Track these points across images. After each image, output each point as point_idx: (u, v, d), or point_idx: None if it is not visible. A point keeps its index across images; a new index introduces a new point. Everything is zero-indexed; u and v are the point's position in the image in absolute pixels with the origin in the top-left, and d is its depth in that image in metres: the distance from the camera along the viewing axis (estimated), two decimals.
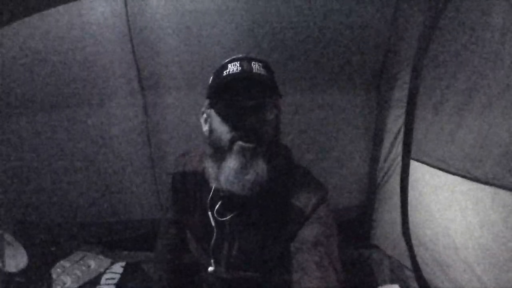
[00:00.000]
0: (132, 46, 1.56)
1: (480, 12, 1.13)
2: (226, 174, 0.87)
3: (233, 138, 0.85)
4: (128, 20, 1.51)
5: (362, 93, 1.74)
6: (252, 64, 0.86)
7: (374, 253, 1.83)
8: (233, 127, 0.86)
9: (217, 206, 0.98)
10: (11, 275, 1.46)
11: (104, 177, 1.79)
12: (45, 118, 1.63)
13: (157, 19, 1.51)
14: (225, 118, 0.87)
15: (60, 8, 1.41)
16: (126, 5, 1.48)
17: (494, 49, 1.08)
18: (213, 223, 0.98)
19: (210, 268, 1.01)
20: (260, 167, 0.86)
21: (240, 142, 0.85)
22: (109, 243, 1.86)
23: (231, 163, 0.86)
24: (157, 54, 1.58)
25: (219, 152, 0.89)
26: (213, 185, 0.95)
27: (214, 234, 0.99)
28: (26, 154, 1.68)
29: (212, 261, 1.01)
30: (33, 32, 1.44)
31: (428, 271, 1.50)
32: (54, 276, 1.50)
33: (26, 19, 1.37)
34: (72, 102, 1.62)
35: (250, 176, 0.86)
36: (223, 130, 0.87)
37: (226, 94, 0.86)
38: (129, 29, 1.53)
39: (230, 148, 0.86)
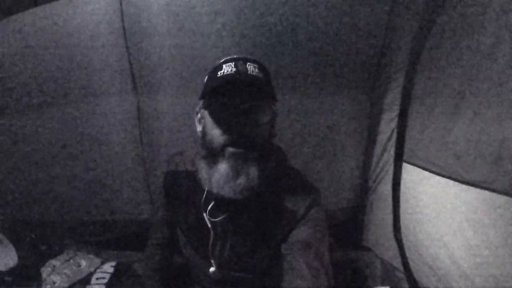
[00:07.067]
0: (126, 45, 1.56)
1: (474, 17, 1.14)
2: (217, 178, 0.87)
3: (225, 143, 0.85)
4: (122, 19, 1.51)
5: (355, 96, 1.74)
6: (247, 65, 0.86)
7: (365, 255, 1.83)
8: (226, 131, 0.85)
9: (210, 207, 0.98)
10: (0, 273, 1.45)
11: (96, 176, 1.77)
12: (35, 115, 1.61)
13: (152, 18, 1.50)
14: (217, 121, 0.87)
15: (54, 5, 1.40)
16: (121, 4, 1.48)
17: (488, 54, 1.09)
18: (209, 224, 0.98)
19: (212, 269, 1.01)
20: (252, 172, 0.86)
21: (231, 149, 0.85)
22: (99, 242, 1.85)
23: (222, 168, 0.86)
24: (151, 53, 1.57)
25: (211, 155, 0.89)
26: (205, 187, 0.95)
27: (212, 235, 0.99)
28: (15, 152, 1.66)
29: (212, 261, 1.00)
30: (25, 28, 1.43)
31: (419, 273, 1.50)
32: (44, 275, 1.48)
33: (18, 14, 1.36)
34: (63, 100, 1.61)
35: (240, 181, 0.86)
36: (215, 133, 0.87)
37: (220, 96, 0.85)
38: (124, 28, 1.52)
39: (222, 152, 0.86)
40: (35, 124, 1.63)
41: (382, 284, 1.65)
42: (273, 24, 1.52)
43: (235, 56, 0.90)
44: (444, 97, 1.30)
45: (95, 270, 1.57)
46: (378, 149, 1.77)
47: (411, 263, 1.56)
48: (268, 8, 1.49)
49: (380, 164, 1.77)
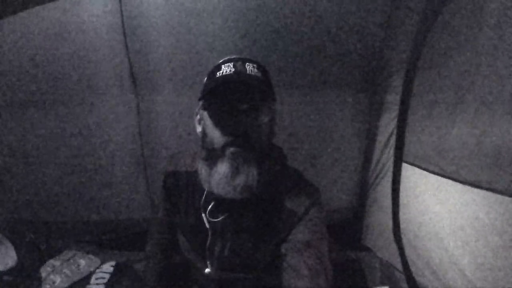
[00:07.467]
0: (126, 44, 1.55)
1: (474, 16, 1.14)
2: (217, 179, 0.87)
3: (225, 143, 0.85)
4: (122, 18, 1.50)
5: (355, 96, 1.75)
6: (246, 65, 0.86)
7: (365, 255, 1.83)
8: (225, 132, 0.85)
9: (210, 207, 0.98)
10: None
11: (95, 175, 1.77)
12: (35, 115, 1.61)
13: (151, 17, 1.50)
14: (217, 122, 0.87)
15: (53, 4, 1.40)
16: (120, 3, 1.48)
17: (487, 53, 1.09)
18: (207, 225, 0.98)
19: (207, 270, 1.01)
20: (251, 172, 0.86)
21: (232, 149, 0.85)
22: (99, 242, 1.85)
23: (222, 168, 0.86)
24: (151, 53, 1.57)
25: (211, 155, 0.89)
26: (205, 188, 0.95)
27: (210, 236, 0.99)
28: (15, 151, 1.66)
29: (208, 262, 1.01)
30: (24, 28, 1.43)
31: (418, 273, 1.50)
32: (43, 275, 1.48)
33: (18, 14, 1.36)
34: (63, 99, 1.61)
35: (240, 181, 0.86)
36: (215, 134, 0.87)
37: (219, 97, 0.85)
38: (123, 27, 1.52)
39: (222, 153, 0.86)
40: (35, 123, 1.63)
41: (382, 284, 1.65)
42: (273, 23, 1.52)
43: (234, 57, 0.90)
44: (443, 97, 1.30)
45: (95, 270, 1.57)
46: (377, 149, 1.77)
47: (410, 263, 1.56)
48: (268, 8, 1.49)
49: (380, 164, 1.77)
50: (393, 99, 1.64)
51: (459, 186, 1.22)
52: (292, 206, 0.94)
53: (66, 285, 1.46)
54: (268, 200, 0.95)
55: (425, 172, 1.42)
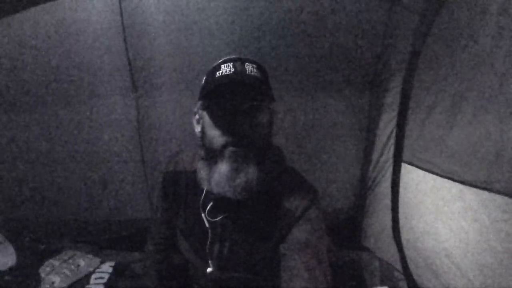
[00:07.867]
0: (126, 45, 1.55)
1: (473, 17, 1.14)
2: (217, 178, 0.87)
3: (225, 143, 0.85)
4: (122, 19, 1.51)
5: (354, 96, 1.75)
6: (245, 66, 0.86)
7: (364, 255, 1.82)
8: (225, 132, 0.85)
9: (209, 207, 0.98)
10: None
11: (95, 176, 1.77)
12: (35, 115, 1.62)
13: (151, 18, 1.50)
14: (217, 122, 0.87)
15: (53, 4, 1.40)
16: (120, 4, 1.48)
17: (487, 54, 1.09)
18: (207, 225, 0.98)
19: (209, 269, 1.01)
20: (251, 171, 0.86)
21: (231, 148, 0.85)
22: (98, 242, 1.85)
23: (222, 167, 0.86)
24: (151, 53, 1.57)
25: (211, 155, 0.89)
26: (205, 187, 0.95)
27: (210, 235, 0.99)
28: (15, 151, 1.66)
29: (210, 262, 1.00)
30: (24, 28, 1.43)
31: (418, 274, 1.50)
32: (42, 275, 1.48)
33: (18, 14, 1.36)
34: (63, 100, 1.61)
35: (240, 181, 0.86)
36: (215, 134, 0.87)
37: (218, 97, 0.85)
38: (123, 28, 1.52)
39: (221, 152, 0.86)
40: (34, 124, 1.63)
41: (381, 284, 1.64)
42: (272, 24, 1.52)
43: (234, 57, 0.90)
44: (443, 98, 1.30)
45: (94, 270, 1.57)
46: (377, 149, 1.77)
47: (409, 263, 1.56)
48: (268, 8, 1.49)
49: (379, 164, 1.77)
50: (392, 99, 1.64)
51: (458, 186, 1.22)
52: (290, 206, 0.94)
53: (65, 285, 1.46)
54: (266, 200, 0.95)
55: (424, 172, 1.42)
